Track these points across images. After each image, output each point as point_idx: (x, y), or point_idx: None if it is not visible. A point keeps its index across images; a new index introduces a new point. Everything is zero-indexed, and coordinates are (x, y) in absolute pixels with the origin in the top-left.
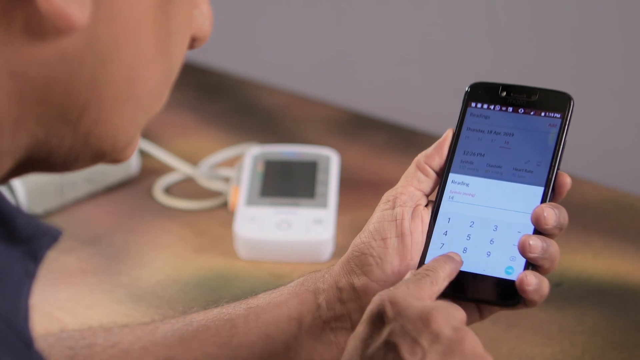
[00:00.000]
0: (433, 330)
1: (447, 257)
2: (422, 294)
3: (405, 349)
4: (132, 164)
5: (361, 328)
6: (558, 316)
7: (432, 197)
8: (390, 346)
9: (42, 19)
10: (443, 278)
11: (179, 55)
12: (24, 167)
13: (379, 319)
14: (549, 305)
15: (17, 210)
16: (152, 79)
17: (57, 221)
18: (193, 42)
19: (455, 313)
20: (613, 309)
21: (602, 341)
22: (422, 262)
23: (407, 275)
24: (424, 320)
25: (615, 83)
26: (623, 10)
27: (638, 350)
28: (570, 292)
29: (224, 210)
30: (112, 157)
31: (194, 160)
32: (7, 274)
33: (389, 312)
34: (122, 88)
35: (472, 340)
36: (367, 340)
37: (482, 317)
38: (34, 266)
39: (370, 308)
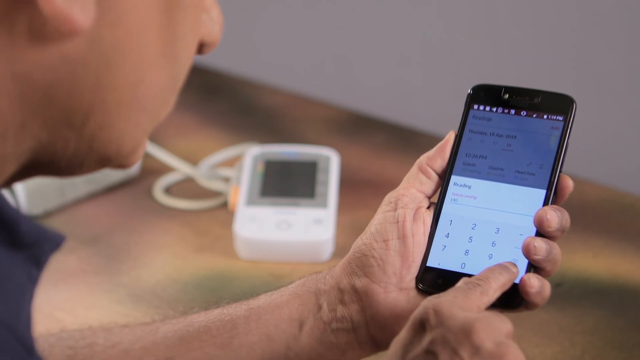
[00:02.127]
0: (474, 342)
1: (503, 268)
2: (470, 304)
3: (444, 359)
4: None
5: (404, 333)
6: (558, 316)
7: (434, 199)
8: (429, 355)
9: (45, 23)
10: (495, 289)
11: (186, 60)
12: (27, 171)
13: (422, 326)
14: (549, 305)
15: (20, 215)
16: (157, 84)
17: (57, 221)
18: (202, 48)
19: (500, 326)
20: (613, 309)
21: (601, 341)
22: (423, 264)
23: (459, 283)
24: (466, 331)
25: (616, 84)
26: (624, 12)
27: (638, 350)
28: (570, 292)
29: (224, 210)
30: (118, 162)
31: (194, 160)
32: (10, 279)
33: (432, 320)
34: (126, 92)
35: (515, 356)
36: (407, 346)
37: None
38: (37, 271)
39: (415, 314)
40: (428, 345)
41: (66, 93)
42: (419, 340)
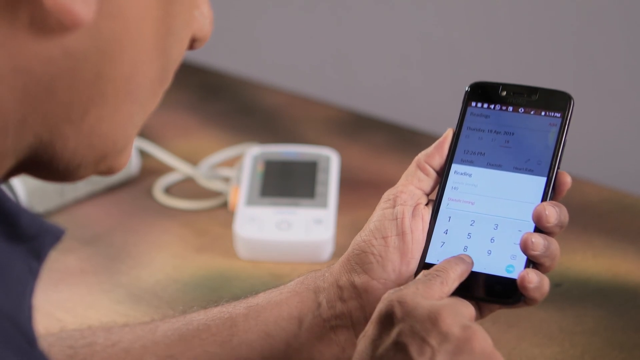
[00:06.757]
0: (442, 329)
1: (459, 259)
2: (432, 293)
3: (414, 349)
4: (132, 164)
5: (370, 328)
6: (558, 316)
7: (432, 196)
8: (399, 346)
9: (47, 15)
10: (453, 279)
11: (178, 54)
12: (25, 167)
13: (388, 319)
14: (549, 305)
15: (20, 208)
16: (148, 76)
17: (57, 221)
18: (193, 43)
19: (463, 310)
20: (613, 309)
21: (602, 341)
22: (422, 260)
23: (419, 276)
24: (433, 319)
25: (616, 83)
26: (623, 10)
27: (638, 350)
28: (570, 292)
29: (224, 210)
30: (112, 160)
31: (194, 160)
32: (11, 272)
33: (398, 312)
34: (122, 84)
35: (481, 338)
36: (376, 341)
37: (482, 315)
38: (38, 264)
39: (379, 308)
40: (396, 337)
41: (67, 86)
42: (387, 334)
